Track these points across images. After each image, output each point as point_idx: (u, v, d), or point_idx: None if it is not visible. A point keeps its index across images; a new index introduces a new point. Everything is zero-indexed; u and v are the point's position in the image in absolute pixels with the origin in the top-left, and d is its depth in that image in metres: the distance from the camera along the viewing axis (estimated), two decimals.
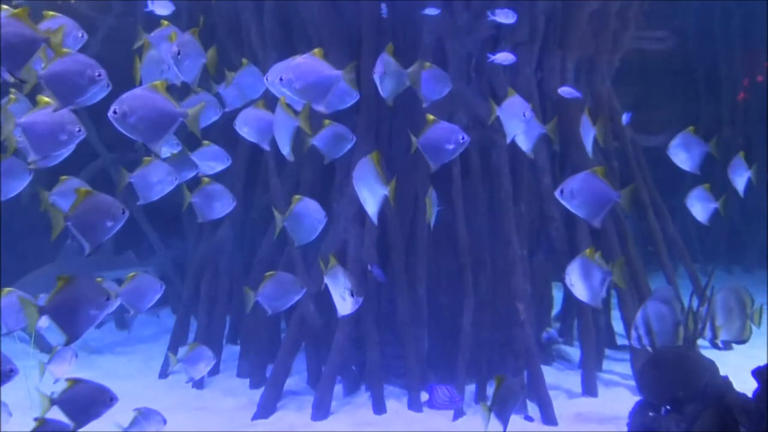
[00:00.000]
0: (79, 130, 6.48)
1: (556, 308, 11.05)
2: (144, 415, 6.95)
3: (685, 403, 6.91)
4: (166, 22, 7.89)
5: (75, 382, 6.38)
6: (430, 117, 7.66)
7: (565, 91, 9.19)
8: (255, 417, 8.88)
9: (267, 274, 8.05)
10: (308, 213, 7.93)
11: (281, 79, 7.07)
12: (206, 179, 8.43)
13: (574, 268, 7.57)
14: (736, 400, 6.38)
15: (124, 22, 11.57)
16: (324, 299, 9.24)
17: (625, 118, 10.11)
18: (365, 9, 9.19)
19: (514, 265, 9.25)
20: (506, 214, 9.32)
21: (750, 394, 6.35)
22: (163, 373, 10.19)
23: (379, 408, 8.96)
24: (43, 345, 11.04)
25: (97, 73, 6.24)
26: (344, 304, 7.85)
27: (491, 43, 9.48)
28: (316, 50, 7.18)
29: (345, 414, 8.95)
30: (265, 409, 8.93)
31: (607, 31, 10.37)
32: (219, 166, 8.47)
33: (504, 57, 9.03)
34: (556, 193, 7.51)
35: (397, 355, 9.27)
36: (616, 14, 10.36)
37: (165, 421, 6.95)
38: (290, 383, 9.37)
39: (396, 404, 9.07)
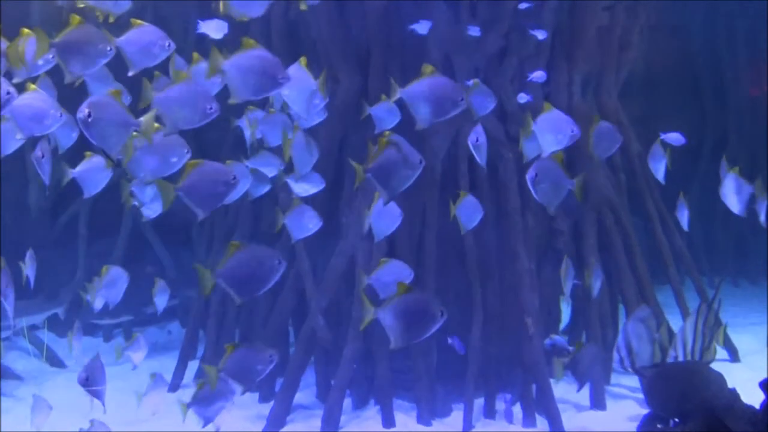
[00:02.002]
0: (187, 151, 6.78)
1: (564, 322, 11.05)
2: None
3: (691, 416, 6.94)
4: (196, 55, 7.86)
5: (235, 346, 6.68)
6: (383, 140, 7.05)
7: (521, 96, 9.19)
8: (264, 431, 8.91)
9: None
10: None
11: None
12: (297, 200, 8.32)
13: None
14: (743, 411, 6.42)
15: None
16: (333, 313, 9.32)
17: (676, 137, 9.66)
18: (373, 26, 9.24)
19: (522, 279, 9.27)
20: (514, 228, 9.35)
21: (757, 406, 6.38)
22: (173, 387, 10.23)
23: (388, 422, 8.98)
24: (53, 359, 11.11)
25: (209, 107, 6.43)
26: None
27: (498, 58, 9.54)
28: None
29: (354, 427, 8.98)
30: (274, 423, 8.95)
31: (613, 45, 10.41)
32: (313, 190, 8.41)
33: (539, 75, 9.08)
34: (528, 177, 7.29)
35: (406, 369, 9.29)
36: (622, 28, 10.40)
37: None
38: (299, 397, 9.38)
39: (405, 418, 9.09)
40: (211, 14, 10.42)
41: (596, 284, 9.33)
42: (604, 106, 10.38)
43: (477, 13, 9.36)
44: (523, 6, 9.28)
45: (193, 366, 10.51)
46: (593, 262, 9.57)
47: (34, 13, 11.90)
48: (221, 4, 7.11)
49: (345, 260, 9.15)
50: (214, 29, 8.00)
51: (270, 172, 8.31)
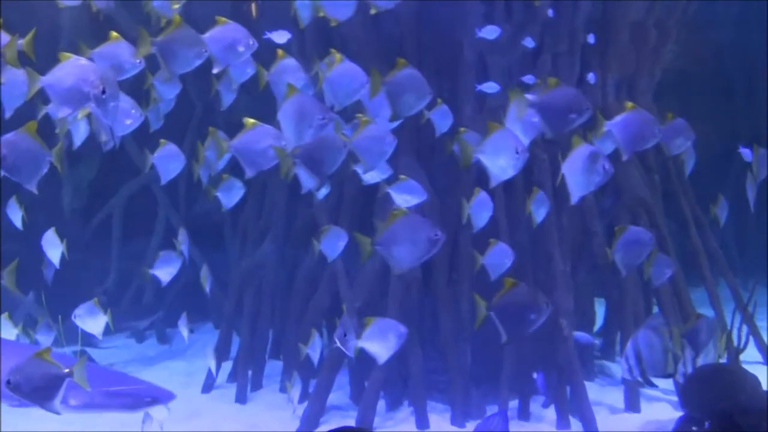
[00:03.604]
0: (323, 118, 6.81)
1: (598, 323, 11.00)
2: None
3: (725, 418, 6.88)
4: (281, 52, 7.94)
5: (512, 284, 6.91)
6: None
7: (488, 86, 9.14)
8: (298, 431, 8.91)
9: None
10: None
11: None
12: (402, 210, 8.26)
13: None
14: None
15: None
16: (366, 313, 9.29)
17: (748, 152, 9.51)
18: (406, 25, 9.22)
19: (557, 280, 9.23)
20: (548, 229, 9.30)
21: None
22: (207, 387, 10.25)
23: (422, 423, 8.97)
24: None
25: (322, 116, 6.64)
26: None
27: (532, 57, 9.51)
28: None
29: (388, 429, 8.97)
30: (308, 424, 8.95)
31: (647, 44, 10.35)
32: (414, 200, 8.37)
33: (490, 86, 9.06)
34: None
35: (440, 370, 9.27)
36: (655, 27, 10.34)
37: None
38: (333, 398, 9.36)
39: (439, 419, 9.07)
40: (242, 16, 10.55)
41: None
42: (639, 105, 10.29)
43: (511, 12, 9.33)
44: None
45: (226, 367, 10.51)
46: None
47: (64, 18, 11.91)
48: (313, 5, 7.45)
49: (379, 260, 9.13)
50: (278, 36, 8.45)
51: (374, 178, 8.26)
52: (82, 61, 6.23)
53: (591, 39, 9.44)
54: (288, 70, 7.62)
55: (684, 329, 6.94)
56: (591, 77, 9.41)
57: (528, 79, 9.21)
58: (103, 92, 6.16)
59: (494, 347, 9.16)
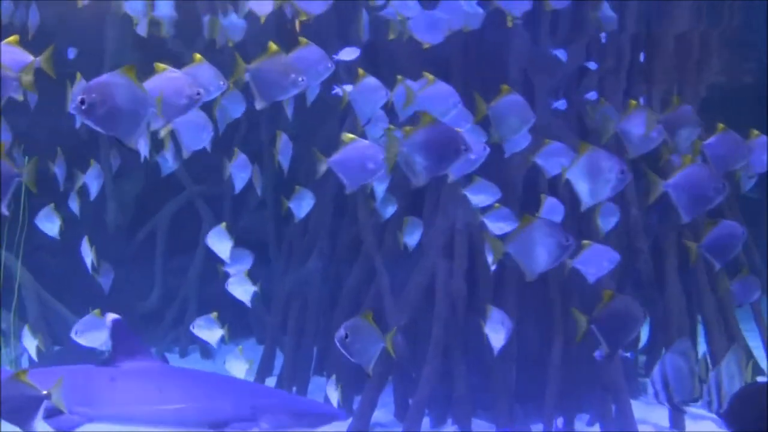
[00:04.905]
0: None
1: (643, 341, 10.94)
2: None
3: None
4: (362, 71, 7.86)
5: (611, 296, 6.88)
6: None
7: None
8: None
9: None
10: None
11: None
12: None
13: None
14: None
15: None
16: (411, 330, 9.30)
17: None
18: (452, 43, 9.23)
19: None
20: None
21: None
22: None
23: None
24: None
25: (373, 164, 6.67)
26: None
27: (578, 75, 9.50)
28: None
29: None
30: None
31: (691, 59, 10.32)
32: (490, 200, 8.33)
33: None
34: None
35: (485, 388, 9.25)
36: (700, 42, 10.30)
37: None
38: (377, 416, 9.35)
39: None
40: (286, 34, 10.56)
41: None
42: None
43: (557, 30, 9.33)
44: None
45: (270, 383, 10.53)
46: None
47: (109, 39, 11.98)
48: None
49: (425, 278, 9.14)
50: (347, 54, 8.58)
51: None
52: (177, 73, 6.11)
53: (641, 58, 9.42)
54: (370, 89, 7.55)
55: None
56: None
57: (560, 104, 9.28)
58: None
59: (539, 365, 9.21)
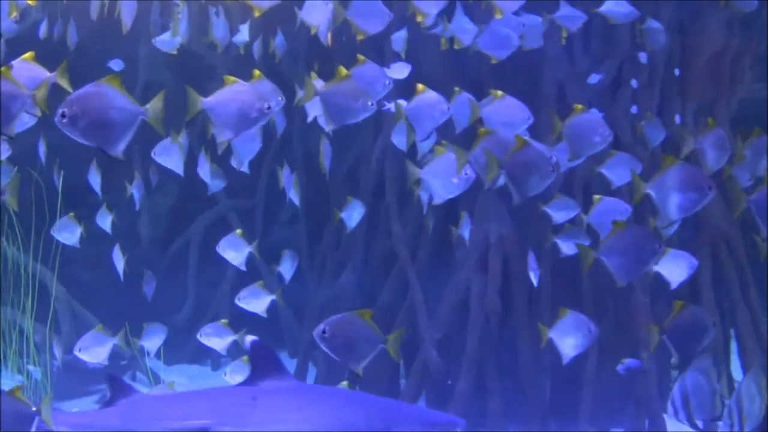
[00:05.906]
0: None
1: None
2: None
3: None
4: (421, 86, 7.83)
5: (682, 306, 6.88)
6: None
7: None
8: None
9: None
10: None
11: None
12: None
13: None
14: None
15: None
16: (446, 345, 9.31)
17: None
18: (486, 55, 9.24)
19: (637, 313, 9.18)
20: None
21: None
22: None
23: None
24: None
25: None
26: None
27: (611, 88, 9.51)
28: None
29: None
30: None
31: (724, 74, 10.29)
32: (568, 216, 8.28)
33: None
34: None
35: (518, 402, 9.24)
36: (732, 57, 10.28)
37: None
38: None
39: None
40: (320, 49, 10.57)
41: None
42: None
43: (590, 45, 9.34)
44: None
45: None
46: None
47: (142, 54, 12.01)
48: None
49: (459, 292, 9.14)
50: (398, 70, 8.46)
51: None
52: (246, 86, 6.11)
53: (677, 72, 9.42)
54: (430, 103, 7.48)
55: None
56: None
57: None
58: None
59: (573, 379, 9.19)
